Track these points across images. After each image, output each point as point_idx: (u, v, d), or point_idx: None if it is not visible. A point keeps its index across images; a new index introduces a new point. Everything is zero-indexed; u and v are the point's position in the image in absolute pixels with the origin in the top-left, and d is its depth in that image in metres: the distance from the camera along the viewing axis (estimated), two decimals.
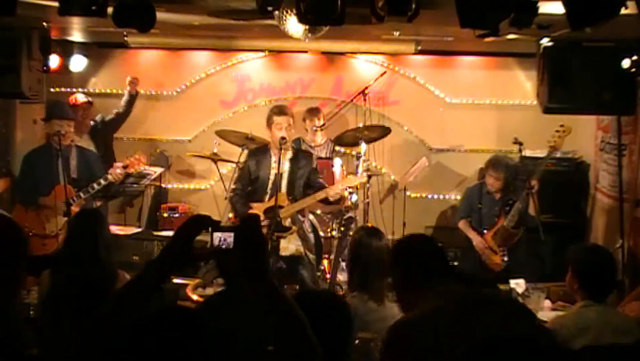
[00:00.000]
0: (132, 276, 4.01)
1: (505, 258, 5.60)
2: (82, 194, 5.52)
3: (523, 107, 7.18)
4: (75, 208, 5.43)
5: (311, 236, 5.61)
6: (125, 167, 5.64)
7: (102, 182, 5.54)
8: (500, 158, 5.91)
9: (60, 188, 5.52)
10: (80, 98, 6.77)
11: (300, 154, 5.57)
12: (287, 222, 5.27)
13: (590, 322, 3.21)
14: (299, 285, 5.02)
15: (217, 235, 1.77)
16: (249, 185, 5.47)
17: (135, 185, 6.88)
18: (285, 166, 5.33)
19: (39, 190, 5.58)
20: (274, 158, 5.38)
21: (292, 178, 5.34)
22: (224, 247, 1.77)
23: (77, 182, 5.60)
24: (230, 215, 5.60)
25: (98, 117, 6.95)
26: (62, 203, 5.48)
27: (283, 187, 5.33)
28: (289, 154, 5.38)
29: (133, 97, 7.02)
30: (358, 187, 6.22)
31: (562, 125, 5.49)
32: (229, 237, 1.77)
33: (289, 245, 5.24)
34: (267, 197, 5.37)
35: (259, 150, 5.58)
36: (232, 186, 5.69)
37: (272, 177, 5.34)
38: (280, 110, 5.37)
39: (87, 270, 3.46)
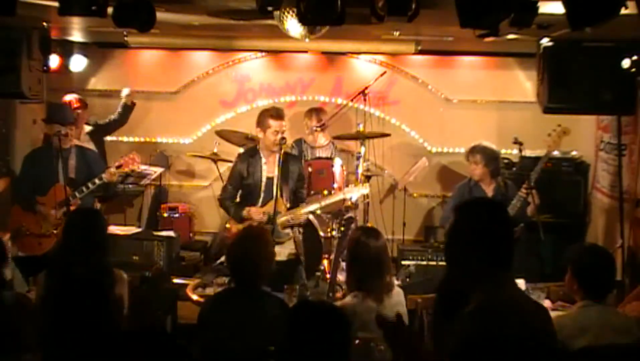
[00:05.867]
0: (130, 275, 4.03)
1: None
2: (77, 193, 5.49)
3: (523, 107, 7.17)
4: (72, 208, 5.40)
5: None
6: (118, 167, 5.60)
7: (97, 181, 5.50)
8: (475, 145, 5.78)
9: (58, 188, 5.51)
10: (77, 99, 6.74)
11: (289, 157, 5.53)
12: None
13: (590, 322, 3.20)
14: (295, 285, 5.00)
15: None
16: (240, 187, 5.46)
17: (135, 185, 6.90)
18: (276, 170, 5.32)
19: (38, 190, 5.58)
20: (264, 160, 5.37)
21: (283, 182, 5.32)
22: None
23: (75, 182, 5.58)
24: (228, 225, 5.54)
25: (92, 120, 6.91)
26: (57, 203, 5.47)
27: (274, 191, 5.32)
28: (278, 157, 5.35)
29: (129, 108, 6.97)
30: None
31: (559, 125, 5.48)
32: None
33: (282, 250, 5.21)
34: (260, 200, 5.35)
35: (249, 152, 5.54)
36: (223, 188, 5.61)
37: (264, 180, 5.33)
38: (278, 114, 5.34)
39: (81, 270, 3.44)
